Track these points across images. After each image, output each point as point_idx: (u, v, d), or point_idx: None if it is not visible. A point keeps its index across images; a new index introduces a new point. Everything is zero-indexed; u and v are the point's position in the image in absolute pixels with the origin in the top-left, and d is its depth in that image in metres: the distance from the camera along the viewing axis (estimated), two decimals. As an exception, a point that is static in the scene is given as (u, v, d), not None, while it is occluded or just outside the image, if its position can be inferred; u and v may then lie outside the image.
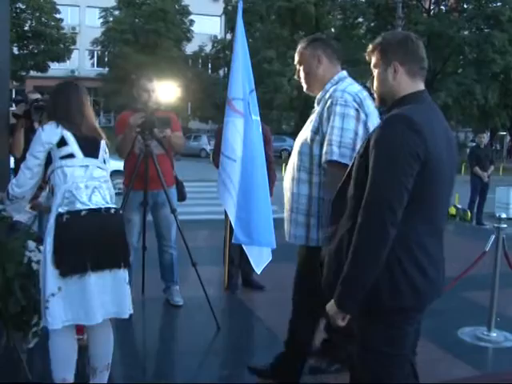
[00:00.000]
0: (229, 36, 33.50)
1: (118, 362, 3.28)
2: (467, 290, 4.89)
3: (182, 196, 4.58)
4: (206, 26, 37.31)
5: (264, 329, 4.18)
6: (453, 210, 9.89)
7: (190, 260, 4.04)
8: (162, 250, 4.51)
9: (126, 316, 2.77)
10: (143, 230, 4.35)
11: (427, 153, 1.89)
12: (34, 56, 31.13)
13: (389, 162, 1.89)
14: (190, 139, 27.78)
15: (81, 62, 37.42)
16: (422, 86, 2.09)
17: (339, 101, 2.64)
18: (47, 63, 31.71)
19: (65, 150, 2.70)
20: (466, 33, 26.84)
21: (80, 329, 3.14)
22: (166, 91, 4.52)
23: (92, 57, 38.72)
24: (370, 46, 2.12)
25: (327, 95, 2.74)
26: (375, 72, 2.12)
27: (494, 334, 4.06)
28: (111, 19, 33.32)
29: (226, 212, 4.49)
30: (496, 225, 4.08)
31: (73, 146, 2.71)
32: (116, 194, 3.01)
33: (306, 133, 2.81)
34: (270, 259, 4.48)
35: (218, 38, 36.32)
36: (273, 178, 4.79)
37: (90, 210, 2.63)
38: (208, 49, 34.79)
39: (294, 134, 10.28)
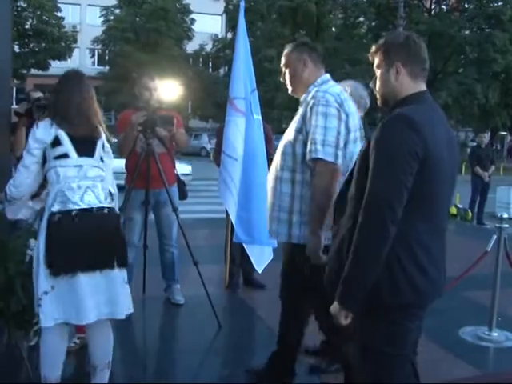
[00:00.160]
0: (229, 35, 33.51)
1: (118, 360, 3.28)
2: (468, 289, 4.89)
3: (183, 194, 4.58)
4: (207, 24, 37.35)
5: (265, 328, 4.18)
6: (454, 210, 9.90)
7: (192, 259, 4.04)
8: (163, 248, 4.51)
9: (122, 317, 2.74)
10: (144, 228, 4.34)
11: (426, 151, 1.89)
12: (35, 54, 31.10)
13: (388, 160, 1.90)
14: (190, 138, 27.78)
15: (82, 61, 37.34)
16: (423, 87, 2.10)
17: (321, 101, 2.69)
18: (48, 61, 31.67)
19: (59, 150, 2.67)
20: (467, 32, 26.85)
21: (81, 328, 3.15)
22: (167, 90, 4.52)
23: (93, 55, 38.66)
24: (373, 47, 2.15)
25: (309, 96, 2.79)
26: (378, 72, 2.14)
27: (496, 334, 4.07)
28: (112, 18, 33.33)
29: (227, 211, 4.50)
30: (498, 225, 4.08)
31: (67, 146, 2.68)
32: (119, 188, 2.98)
33: (289, 134, 2.85)
34: (271, 258, 4.51)
35: (219, 36, 36.40)
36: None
37: (82, 210, 2.60)
38: (209, 48, 34.87)
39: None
